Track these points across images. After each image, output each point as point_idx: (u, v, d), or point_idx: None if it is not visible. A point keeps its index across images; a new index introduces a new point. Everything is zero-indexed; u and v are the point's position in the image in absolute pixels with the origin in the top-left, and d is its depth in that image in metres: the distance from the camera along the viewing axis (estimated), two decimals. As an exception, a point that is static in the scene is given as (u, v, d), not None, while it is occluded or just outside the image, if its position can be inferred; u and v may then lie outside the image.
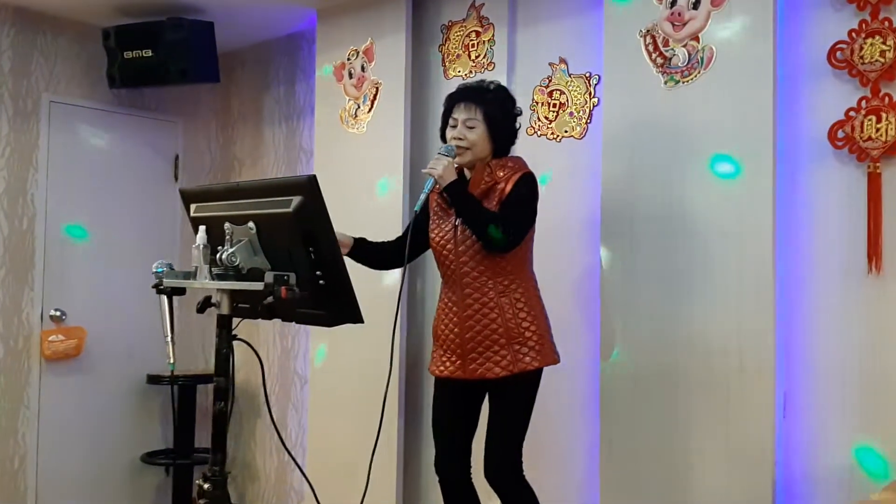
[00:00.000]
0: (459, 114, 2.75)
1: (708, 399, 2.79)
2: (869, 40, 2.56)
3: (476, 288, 2.69)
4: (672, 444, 2.86)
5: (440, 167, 2.66)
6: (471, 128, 2.73)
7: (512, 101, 2.84)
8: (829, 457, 2.63)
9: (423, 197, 2.69)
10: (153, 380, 4.47)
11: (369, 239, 2.94)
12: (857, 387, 2.58)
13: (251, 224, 2.13)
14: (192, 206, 2.37)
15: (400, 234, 3.04)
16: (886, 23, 2.54)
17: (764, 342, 2.68)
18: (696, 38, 2.88)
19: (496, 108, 2.76)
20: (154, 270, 2.29)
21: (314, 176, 2.00)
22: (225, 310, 2.16)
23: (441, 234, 2.79)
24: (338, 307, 2.06)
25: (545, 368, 2.72)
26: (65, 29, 4.40)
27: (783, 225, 2.73)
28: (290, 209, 2.01)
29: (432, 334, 2.87)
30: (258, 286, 2.00)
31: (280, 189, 2.06)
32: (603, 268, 3.08)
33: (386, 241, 2.99)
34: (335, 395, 3.95)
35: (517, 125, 2.85)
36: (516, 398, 2.71)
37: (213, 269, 2.14)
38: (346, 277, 2.04)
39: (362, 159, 3.90)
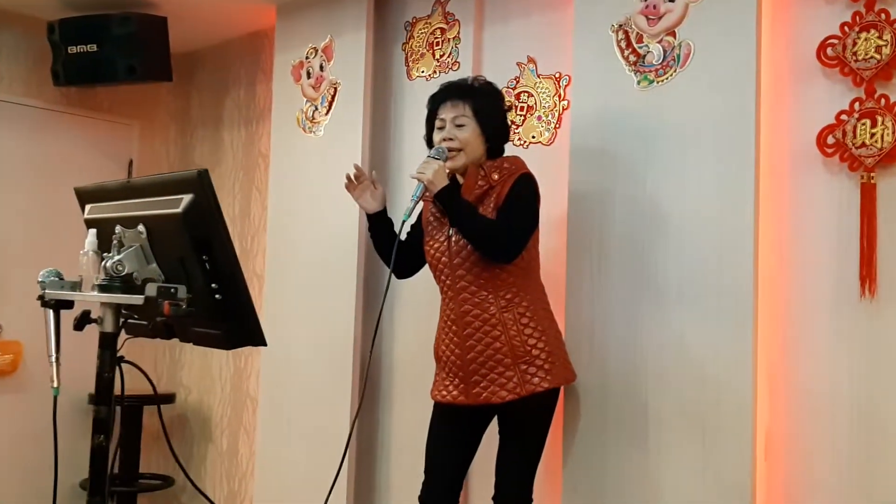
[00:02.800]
0: (446, 113, 2.52)
1: (681, 436, 2.48)
2: (863, 35, 2.27)
3: (476, 304, 2.44)
4: (642, 485, 2.54)
5: (430, 171, 2.41)
6: (460, 126, 2.49)
7: (500, 95, 2.62)
8: (815, 502, 2.32)
9: (411, 205, 2.47)
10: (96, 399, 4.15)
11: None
12: (846, 424, 2.27)
13: (141, 227, 1.84)
14: (87, 207, 2.09)
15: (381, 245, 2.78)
16: (883, 15, 2.24)
17: (743, 372, 2.37)
18: (672, 34, 2.59)
19: (486, 102, 2.53)
20: (39, 280, 2.00)
21: (205, 170, 1.70)
22: (109, 327, 1.85)
23: (435, 247, 2.55)
24: (235, 326, 1.76)
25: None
26: (10, 23, 4.13)
27: (766, 242, 2.43)
28: (179, 209, 1.72)
29: (434, 355, 2.62)
30: (137, 300, 1.71)
31: (169, 186, 1.77)
32: (567, 288, 2.77)
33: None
34: (285, 418, 3.63)
35: (509, 121, 2.63)
36: (528, 424, 2.47)
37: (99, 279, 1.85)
38: (244, 292, 1.74)
39: (319, 165, 3.62)
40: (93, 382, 4.22)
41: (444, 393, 2.54)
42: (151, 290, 1.70)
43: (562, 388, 2.59)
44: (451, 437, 2.58)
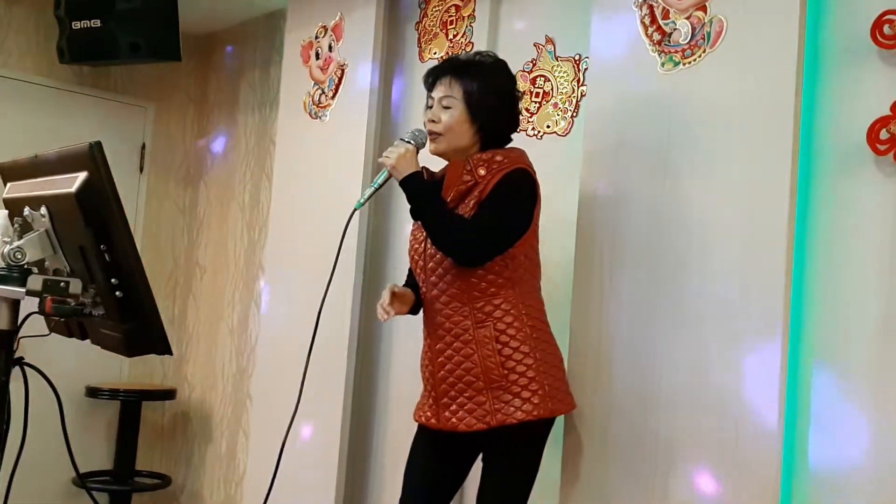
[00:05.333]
0: (437, 91, 2.20)
1: (695, 471, 2.13)
2: (929, 8, 1.89)
3: (448, 315, 2.13)
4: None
5: (394, 155, 2.12)
6: (446, 107, 2.16)
7: (504, 76, 2.25)
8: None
9: (368, 191, 2.18)
10: (93, 392, 3.98)
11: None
12: (893, 481, 1.89)
13: (44, 210, 1.59)
14: (8, 185, 1.85)
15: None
16: (955, -16, 1.86)
17: (769, 404, 2.01)
18: (703, 8, 2.23)
19: (482, 83, 2.17)
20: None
21: (98, 143, 1.44)
22: (3, 323, 1.61)
23: (414, 247, 2.26)
24: (135, 330, 1.50)
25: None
26: (20, -4, 3.98)
27: (803, 253, 2.06)
28: (72, 189, 1.46)
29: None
30: (18, 294, 1.45)
31: (65, 163, 1.52)
32: (573, 298, 2.44)
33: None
34: (277, 423, 3.37)
35: (518, 108, 2.26)
36: (508, 459, 2.12)
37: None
38: (144, 289, 1.47)
39: (324, 154, 3.35)
40: (91, 377, 4.06)
41: (420, 413, 2.25)
42: (35, 283, 1.44)
43: (562, 416, 2.27)
44: (430, 464, 2.27)
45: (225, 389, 4.03)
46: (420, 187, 2.11)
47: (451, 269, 2.12)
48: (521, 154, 2.21)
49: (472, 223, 2.07)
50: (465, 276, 2.10)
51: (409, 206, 2.16)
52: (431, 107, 2.21)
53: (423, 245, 2.21)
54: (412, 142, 2.16)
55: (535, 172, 2.20)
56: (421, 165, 2.18)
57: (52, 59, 4.00)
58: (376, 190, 2.17)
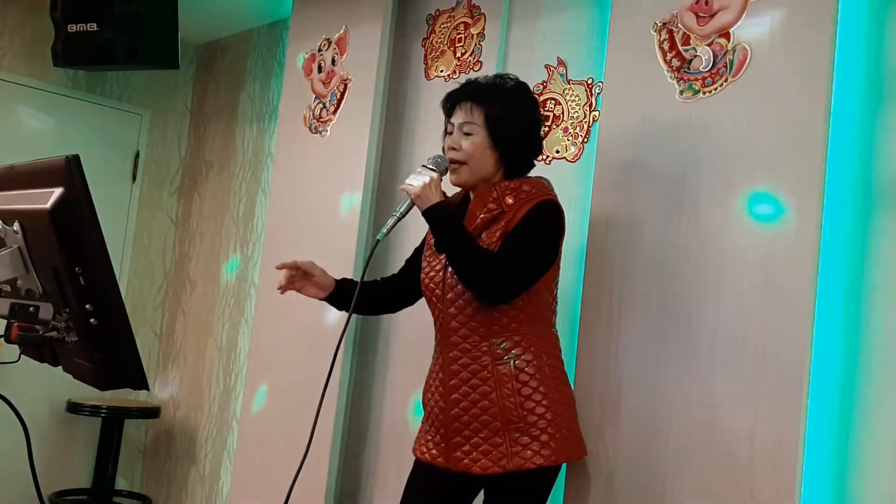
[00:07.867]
0: (456, 116, 2.09)
1: (702, 528, 2.00)
2: (970, 44, 1.78)
3: (465, 350, 2.01)
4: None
5: (419, 184, 2.00)
6: (468, 134, 2.05)
7: (528, 101, 2.13)
8: None
9: (391, 221, 2.05)
10: (74, 407, 3.84)
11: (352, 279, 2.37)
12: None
13: (17, 226, 1.47)
14: (-18, 197, 1.72)
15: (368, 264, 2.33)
16: None
17: (787, 456, 1.88)
18: (726, 35, 2.13)
19: (505, 108, 2.06)
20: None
21: (76, 157, 1.32)
22: (-34, 347, 1.48)
23: (430, 276, 2.13)
24: (109, 361, 1.37)
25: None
26: (16, -3, 3.88)
27: (829, 297, 1.94)
28: (47, 206, 1.34)
29: (422, 402, 2.21)
30: (-18, 319, 1.33)
31: (40, 177, 1.39)
32: (580, 336, 2.32)
33: (379, 278, 2.40)
34: (265, 449, 3.24)
35: (540, 136, 2.16)
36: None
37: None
38: (121, 317, 1.35)
39: (323, 169, 3.23)
40: (73, 391, 3.90)
41: (424, 450, 2.13)
42: (2, 307, 1.31)
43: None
44: (426, 500, 2.15)
45: (211, 409, 3.89)
46: (446, 220, 2.00)
47: (472, 300, 2.01)
48: (547, 184, 2.13)
49: (501, 261, 1.96)
50: (488, 309, 2.00)
51: (406, 226, 2.05)
52: (450, 132, 2.11)
53: (440, 274, 2.09)
54: (435, 169, 2.04)
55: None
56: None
57: (46, 62, 3.88)
58: (399, 219, 2.05)
